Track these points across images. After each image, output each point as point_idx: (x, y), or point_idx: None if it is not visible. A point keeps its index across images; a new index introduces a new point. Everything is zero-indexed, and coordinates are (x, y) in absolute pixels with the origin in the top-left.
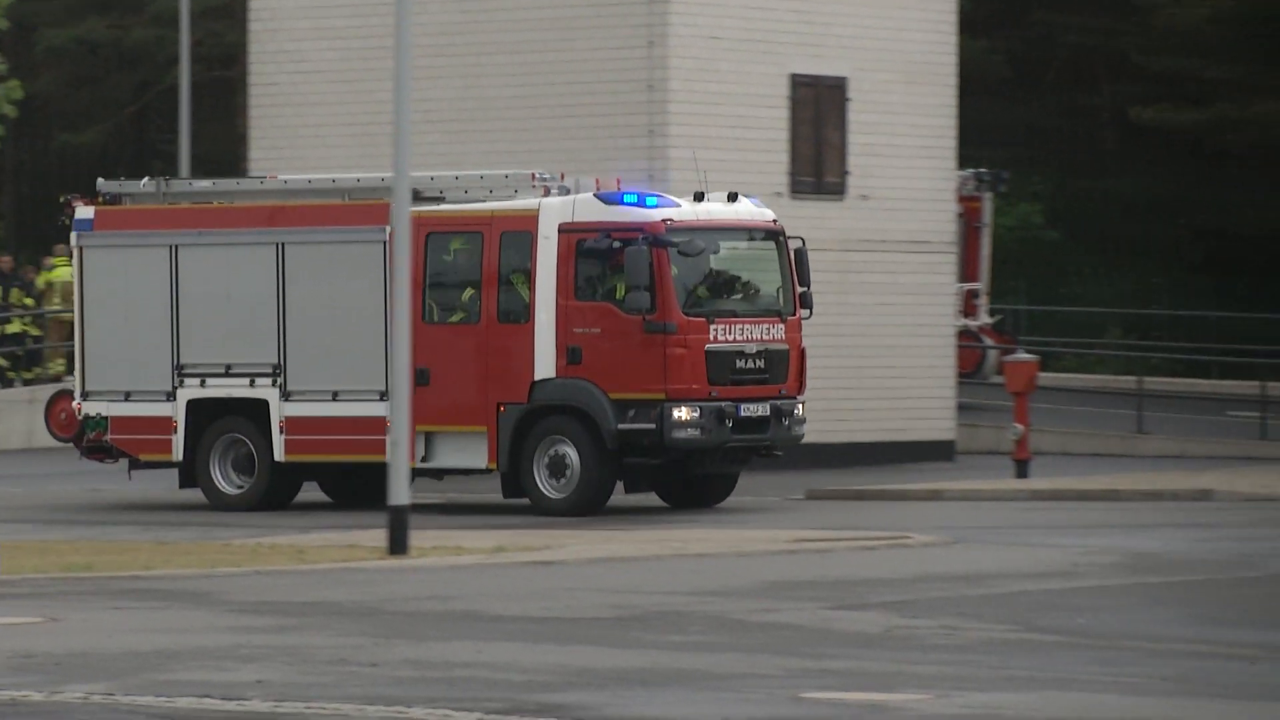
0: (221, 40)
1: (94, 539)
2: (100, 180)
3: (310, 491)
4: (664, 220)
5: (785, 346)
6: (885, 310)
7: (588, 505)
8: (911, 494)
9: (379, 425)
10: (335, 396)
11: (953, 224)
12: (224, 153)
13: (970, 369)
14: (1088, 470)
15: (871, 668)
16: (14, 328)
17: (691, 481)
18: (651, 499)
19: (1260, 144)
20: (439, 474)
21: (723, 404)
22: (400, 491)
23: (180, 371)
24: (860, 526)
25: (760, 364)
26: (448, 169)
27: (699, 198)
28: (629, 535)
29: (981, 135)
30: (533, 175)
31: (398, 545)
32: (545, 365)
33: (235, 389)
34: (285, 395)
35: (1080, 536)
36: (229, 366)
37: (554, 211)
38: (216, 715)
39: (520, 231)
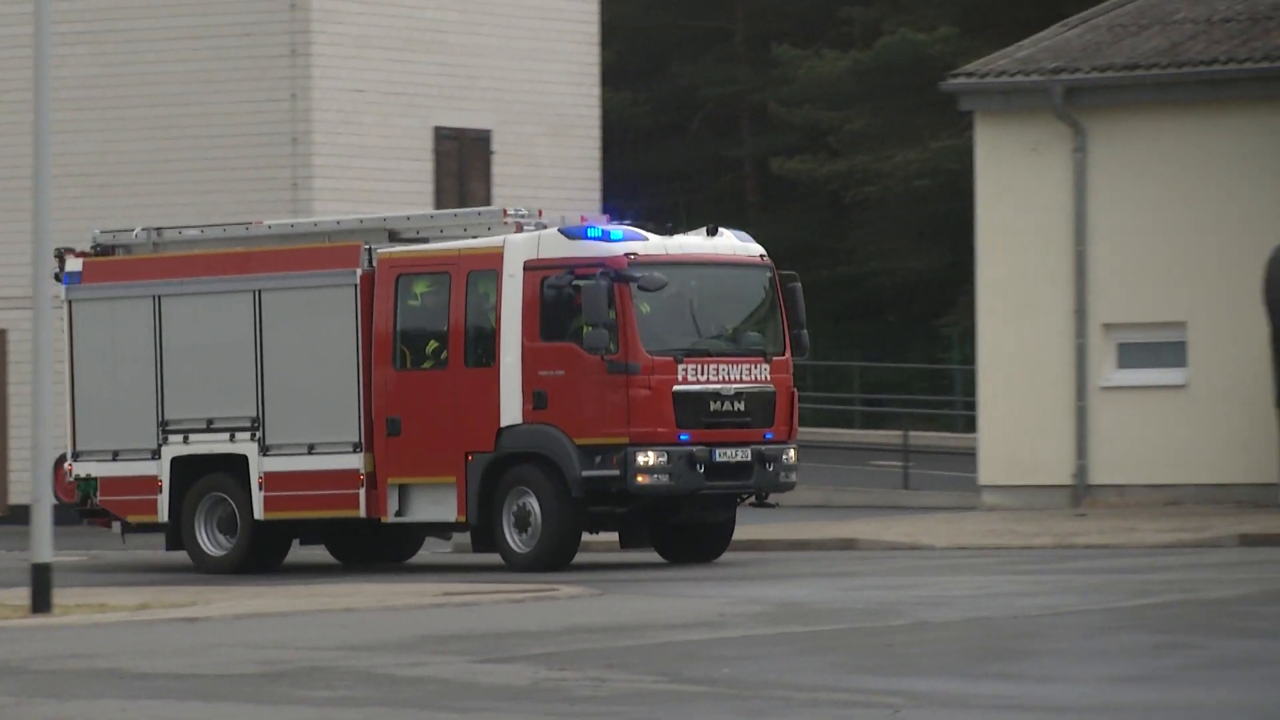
0: None
1: None
2: (96, 231)
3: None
4: (627, 255)
5: (770, 388)
6: None
7: (552, 559)
8: None
9: (354, 479)
10: (311, 449)
11: None
12: None
13: None
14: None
15: None
16: None
17: (685, 534)
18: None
19: (898, 194)
20: (446, 530)
21: (693, 448)
22: (43, 549)
23: (164, 428)
24: (508, 579)
25: (740, 406)
26: (89, 224)
27: (670, 231)
28: (277, 590)
29: (626, 187)
30: (504, 211)
31: (40, 603)
32: (511, 411)
33: (216, 445)
34: (264, 449)
35: (727, 586)
36: (210, 421)
37: (519, 248)
38: None
39: (486, 270)
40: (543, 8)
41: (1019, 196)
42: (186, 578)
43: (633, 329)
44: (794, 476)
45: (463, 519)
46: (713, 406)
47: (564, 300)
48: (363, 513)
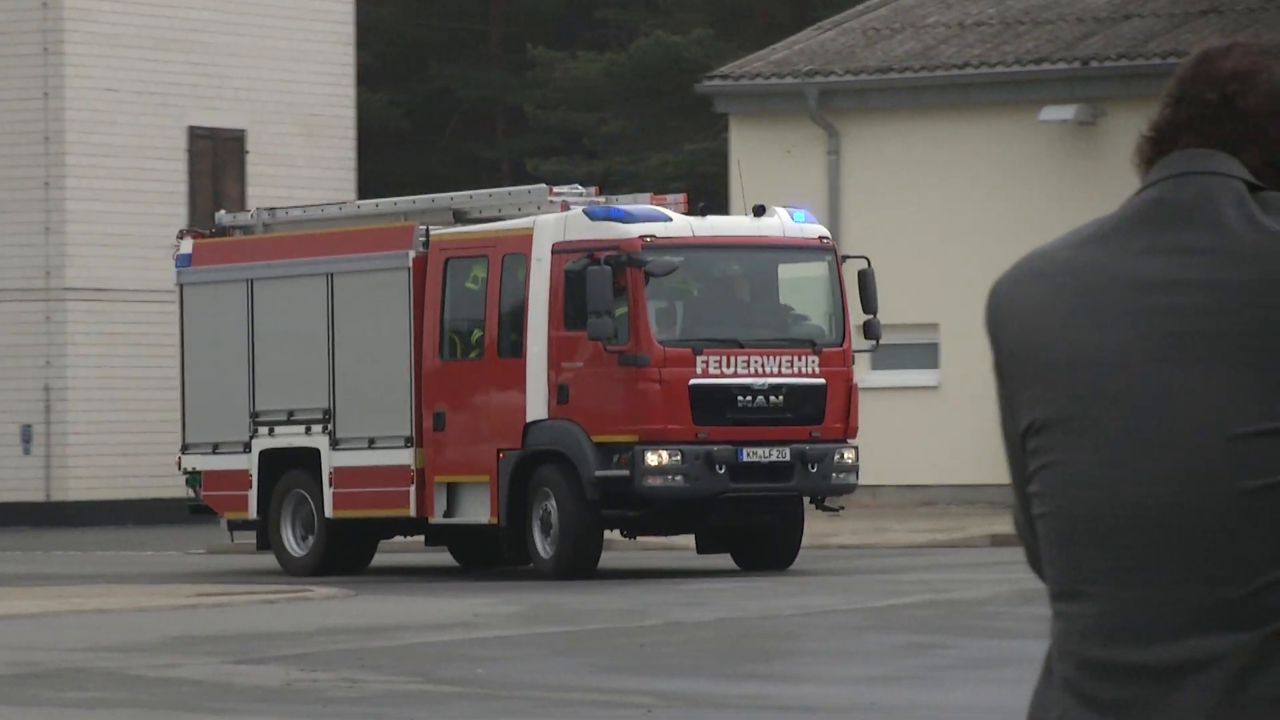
0: None
1: None
2: (219, 213)
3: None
4: (642, 237)
5: (819, 382)
6: None
7: (572, 565)
8: None
9: (405, 475)
10: (371, 444)
11: None
12: None
13: None
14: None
15: None
16: None
17: (752, 540)
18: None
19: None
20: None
21: (713, 447)
22: None
23: (255, 419)
24: (262, 580)
25: (779, 401)
26: None
27: (703, 212)
28: (27, 591)
29: (382, 188)
30: (550, 189)
31: None
32: (537, 405)
33: (295, 438)
34: (334, 443)
35: (482, 586)
36: (291, 413)
37: (548, 230)
38: None
39: (518, 254)
40: (298, 8)
41: (773, 199)
42: None
43: (644, 318)
44: (853, 478)
45: (495, 521)
46: (741, 402)
47: (582, 286)
48: (412, 512)
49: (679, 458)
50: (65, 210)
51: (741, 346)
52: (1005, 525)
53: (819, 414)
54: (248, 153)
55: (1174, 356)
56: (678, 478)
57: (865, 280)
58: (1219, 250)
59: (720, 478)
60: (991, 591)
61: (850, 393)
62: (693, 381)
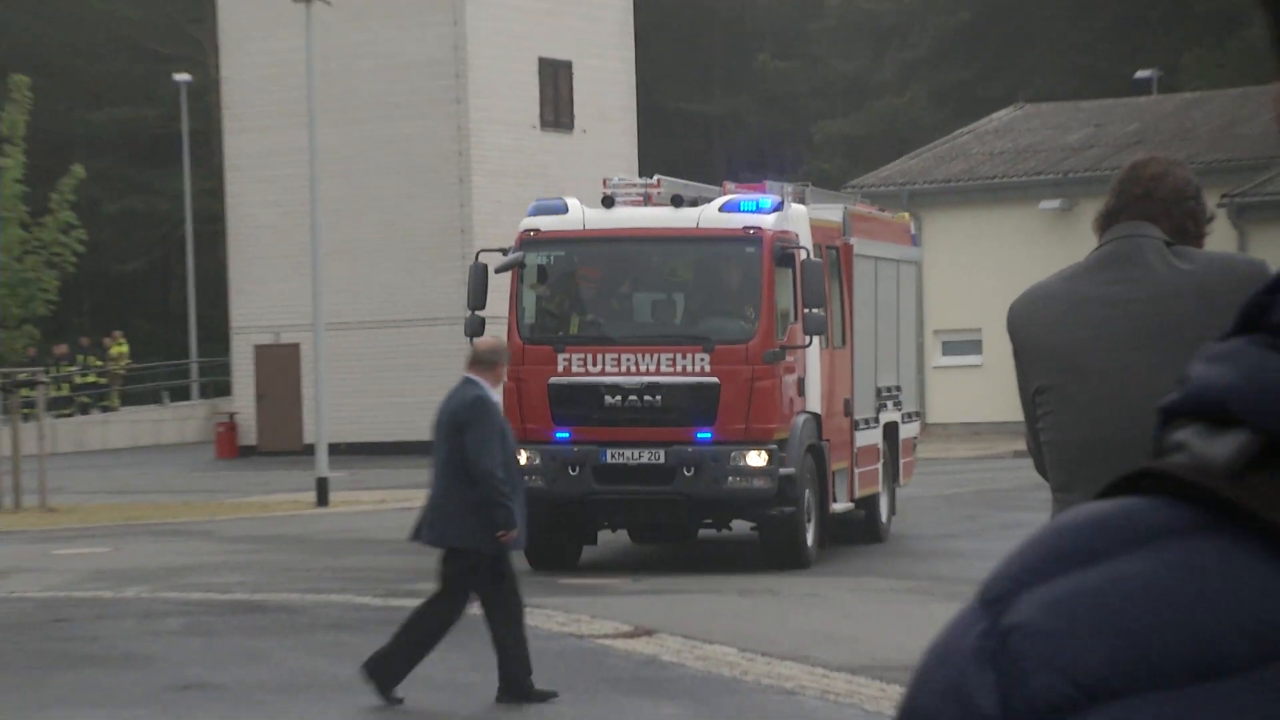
0: None
1: (144, 502)
2: None
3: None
4: (526, 231)
5: (709, 380)
6: None
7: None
8: None
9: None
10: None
11: None
12: None
13: None
14: None
15: None
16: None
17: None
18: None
19: None
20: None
21: (573, 448)
22: (322, 465)
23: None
24: None
25: (655, 400)
26: None
27: (608, 203)
28: None
29: None
30: (724, 186)
31: (322, 500)
32: None
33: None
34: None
35: None
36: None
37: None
38: (216, 602)
39: None
40: None
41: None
42: None
43: (513, 314)
44: (765, 482)
45: None
46: (609, 401)
47: None
48: None
49: (537, 459)
50: None
51: (613, 343)
52: (1021, 445)
53: (708, 415)
54: None
55: (1124, 345)
56: (537, 479)
57: (803, 270)
58: (1149, 280)
59: (579, 479)
60: (1013, 484)
61: (757, 392)
62: (552, 380)
